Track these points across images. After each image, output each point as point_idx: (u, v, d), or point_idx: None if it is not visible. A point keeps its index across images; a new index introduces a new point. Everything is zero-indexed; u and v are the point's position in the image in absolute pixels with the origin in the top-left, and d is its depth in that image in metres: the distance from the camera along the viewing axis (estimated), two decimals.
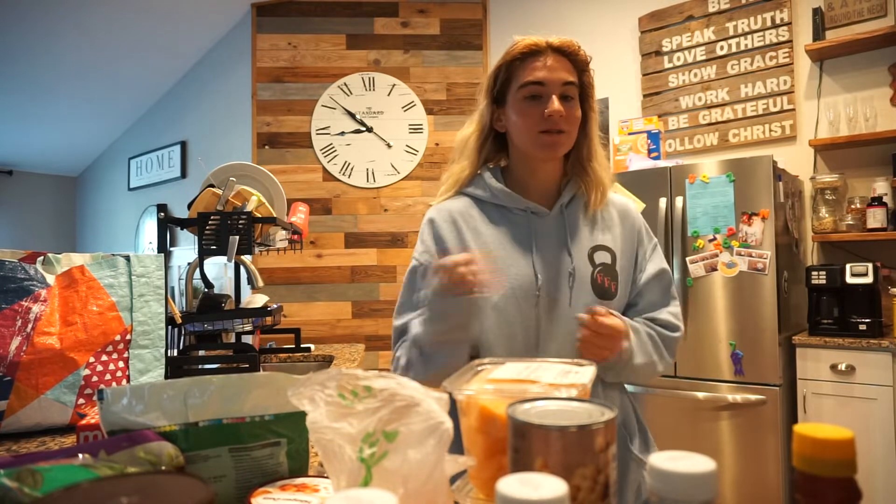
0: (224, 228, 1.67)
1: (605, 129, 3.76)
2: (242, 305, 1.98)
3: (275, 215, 1.87)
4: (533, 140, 1.06)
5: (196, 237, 1.68)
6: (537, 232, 1.09)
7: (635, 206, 1.20)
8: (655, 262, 1.16)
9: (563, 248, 1.09)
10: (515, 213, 1.11)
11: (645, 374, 1.08)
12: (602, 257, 1.10)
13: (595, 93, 1.13)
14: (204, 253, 1.69)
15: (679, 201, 2.57)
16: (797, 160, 2.87)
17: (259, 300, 1.93)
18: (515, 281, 1.06)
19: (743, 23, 3.04)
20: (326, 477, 0.64)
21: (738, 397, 2.39)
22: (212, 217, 1.68)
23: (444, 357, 0.98)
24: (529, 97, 1.06)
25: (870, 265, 2.40)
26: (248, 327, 1.76)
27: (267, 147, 3.82)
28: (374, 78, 3.83)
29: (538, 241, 1.09)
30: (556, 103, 1.03)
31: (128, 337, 1.25)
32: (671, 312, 1.14)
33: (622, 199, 1.20)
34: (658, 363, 1.09)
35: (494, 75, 1.12)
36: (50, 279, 1.22)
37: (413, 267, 1.12)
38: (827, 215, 2.71)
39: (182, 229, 2.02)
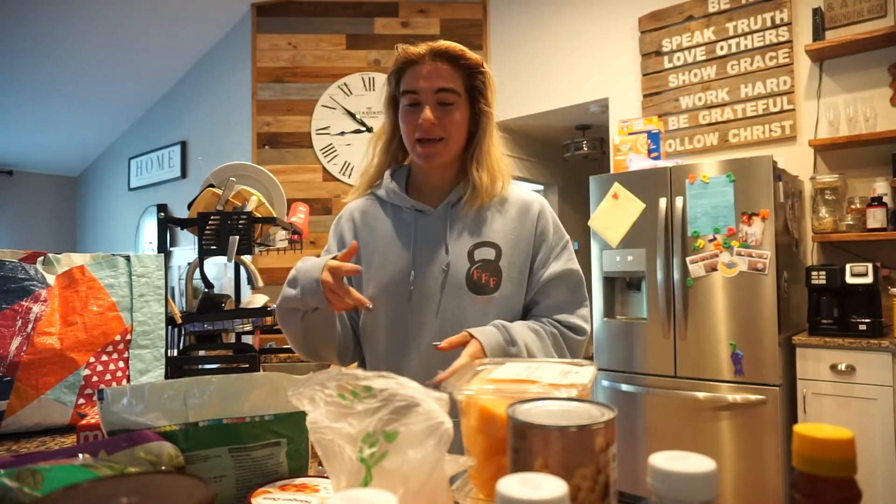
0: (224, 228, 1.67)
1: (604, 130, 3.76)
2: (242, 305, 1.97)
3: (275, 215, 1.87)
4: (412, 148, 1.12)
5: (196, 237, 1.68)
6: (420, 230, 1.13)
7: (541, 203, 1.19)
8: (562, 262, 1.14)
9: (442, 245, 1.11)
10: (405, 210, 1.15)
11: None
12: (484, 254, 1.10)
13: (491, 93, 1.12)
14: (204, 253, 1.69)
15: (679, 201, 2.57)
16: (797, 160, 2.87)
17: (259, 300, 1.93)
18: (392, 276, 1.11)
19: (743, 23, 3.04)
20: (326, 477, 0.64)
21: (738, 397, 2.39)
22: (212, 217, 1.68)
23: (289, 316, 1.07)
24: (409, 105, 1.09)
25: (870, 265, 2.40)
26: (248, 327, 1.76)
27: (267, 147, 3.82)
28: (374, 78, 3.83)
29: (419, 238, 1.12)
30: (427, 112, 1.07)
31: (128, 337, 1.25)
32: (581, 315, 1.14)
33: (528, 197, 1.18)
34: None
35: (387, 81, 1.17)
36: (50, 279, 1.22)
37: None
38: (827, 215, 2.71)
39: (182, 229, 2.02)
